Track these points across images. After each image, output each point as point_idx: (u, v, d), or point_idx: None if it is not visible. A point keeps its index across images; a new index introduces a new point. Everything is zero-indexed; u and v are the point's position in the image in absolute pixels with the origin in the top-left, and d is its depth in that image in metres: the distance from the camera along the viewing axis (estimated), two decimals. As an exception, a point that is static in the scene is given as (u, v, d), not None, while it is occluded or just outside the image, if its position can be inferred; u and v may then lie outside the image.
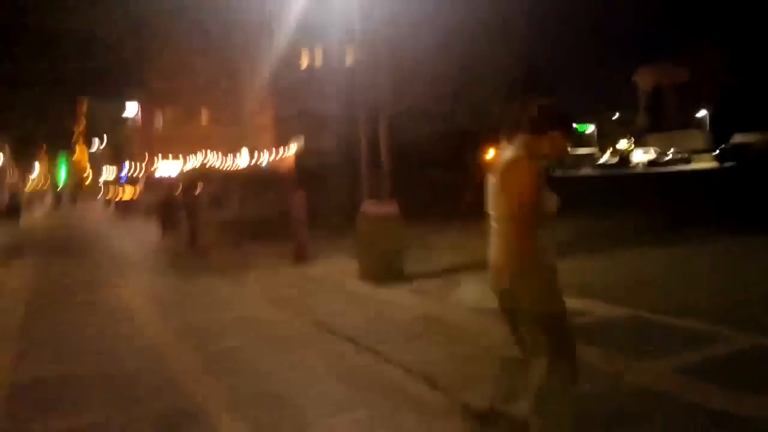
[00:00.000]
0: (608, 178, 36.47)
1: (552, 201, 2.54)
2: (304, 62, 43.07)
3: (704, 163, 44.45)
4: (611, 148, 70.89)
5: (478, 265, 7.65)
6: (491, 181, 2.59)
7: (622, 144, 72.13)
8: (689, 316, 4.83)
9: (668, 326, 4.70)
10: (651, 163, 47.41)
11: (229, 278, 8.68)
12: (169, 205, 16.34)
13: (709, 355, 3.99)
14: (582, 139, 76.32)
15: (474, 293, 6.13)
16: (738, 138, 42.49)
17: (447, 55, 29.18)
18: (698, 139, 54.07)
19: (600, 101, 75.89)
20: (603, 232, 10.35)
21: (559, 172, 53.53)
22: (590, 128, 74.17)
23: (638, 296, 5.65)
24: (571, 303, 5.37)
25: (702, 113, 54.42)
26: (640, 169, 46.73)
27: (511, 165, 2.49)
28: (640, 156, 49.98)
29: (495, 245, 2.60)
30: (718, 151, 42.64)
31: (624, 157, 51.73)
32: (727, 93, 53.35)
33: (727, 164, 38.91)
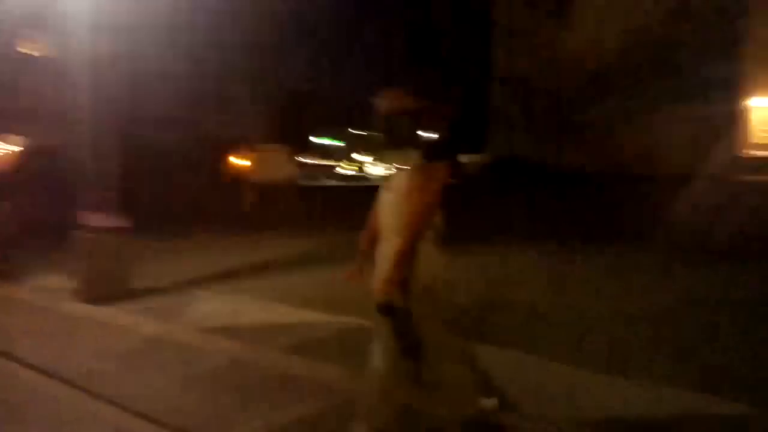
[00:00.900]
0: (350, 189, 38.86)
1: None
2: (27, 51, 37.33)
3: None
4: (352, 162, 76.02)
5: (218, 278, 7.54)
6: (387, 197, 2.90)
7: (362, 158, 77.89)
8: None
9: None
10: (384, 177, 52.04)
11: None
12: None
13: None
14: (326, 151, 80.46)
15: (207, 310, 5.84)
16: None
17: (199, 61, 28.09)
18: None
19: (347, 119, 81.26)
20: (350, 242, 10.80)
21: (304, 182, 55.63)
22: (339, 143, 78.59)
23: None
24: (314, 316, 5.54)
25: (427, 135, 61.59)
26: (376, 182, 50.73)
27: (415, 186, 2.79)
28: (376, 170, 54.44)
29: (383, 255, 2.82)
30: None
31: (363, 170, 55.68)
32: (447, 120, 61.41)
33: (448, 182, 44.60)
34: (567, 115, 41.55)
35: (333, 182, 54.68)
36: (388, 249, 2.80)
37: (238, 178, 19.48)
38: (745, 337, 4.87)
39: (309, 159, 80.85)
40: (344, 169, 63.07)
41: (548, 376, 3.93)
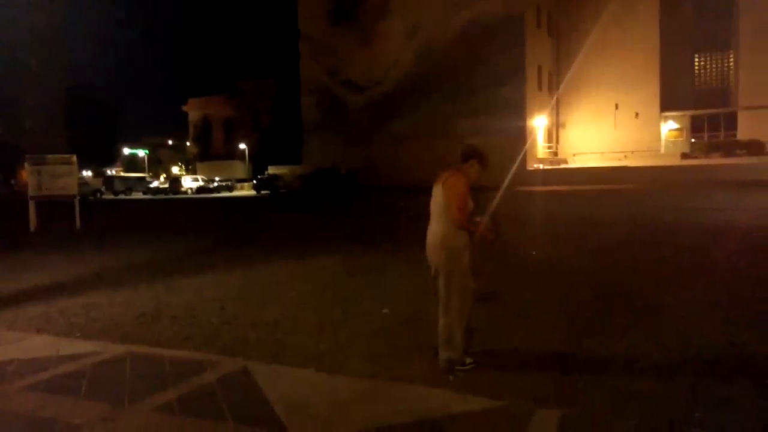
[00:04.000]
0: (159, 202, 36.60)
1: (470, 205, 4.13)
2: None
3: (245, 191, 49.39)
4: (164, 174, 71.96)
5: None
6: (435, 187, 4.19)
7: (174, 170, 73.99)
8: (187, 347, 5.03)
9: (164, 359, 4.72)
10: (200, 190, 49.88)
11: None
12: None
13: (197, 384, 4.17)
14: (135, 164, 75.27)
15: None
16: (272, 170, 49.14)
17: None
18: (240, 169, 59.93)
19: (153, 128, 76.69)
20: (141, 262, 10.11)
21: (109, 195, 51.33)
22: (142, 153, 73.73)
23: (145, 330, 5.61)
24: (74, 346, 5.06)
25: (243, 146, 60.53)
26: (190, 194, 48.47)
27: (451, 179, 4.11)
28: (190, 182, 51.93)
29: (431, 230, 4.21)
30: (255, 181, 48.29)
31: (175, 183, 52.91)
32: (264, 129, 61.06)
33: (263, 192, 44.12)
34: (369, 128, 43.51)
35: (142, 195, 51.18)
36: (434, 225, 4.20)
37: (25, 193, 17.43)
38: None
39: (117, 171, 75.00)
40: (156, 180, 59.39)
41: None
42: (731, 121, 39.34)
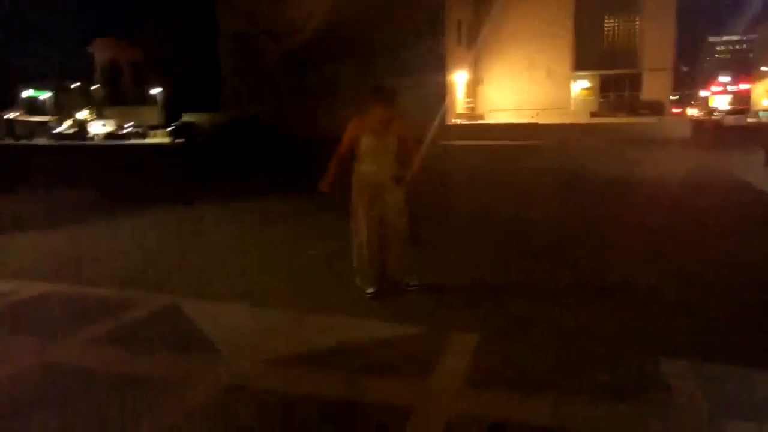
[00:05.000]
0: (66, 149, 34.63)
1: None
2: None
3: (159, 138, 47.29)
4: (71, 118, 67.37)
5: None
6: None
7: (83, 114, 69.40)
8: (112, 286, 5.09)
9: (89, 297, 4.78)
10: (109, 136, 47.43)
11: None
12: None
13: (127, 319, 4.29)
14: (36, 106, 69.74)
15: None
16: (186, 118, 47.17)
17: None
18: (153, 116, 57.09)
19: (58, 68, 70.86)
20: (53, 207, 9.77)
21: (9, 141, 47.70)
22: (47, 95, 68.47)
23: (66, 271, 5.59)
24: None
25: (156, 91, 57.48)
26: (98, 141, 46.06)
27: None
28: (99, 128, 49.18)
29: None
30: (171, 128, 46.25)
31: (83, 128, 49.86)
32: (177, 75, 58.02)
33: (178, 140, 42.59)
34: (290, 79, 42.38)
35: (46, 141, 48.00)
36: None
37: None
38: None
39: (16, 115, 69.31)
40: (62, 125, 55.69)
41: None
42: (636, 82, 41.48)
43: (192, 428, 2.79)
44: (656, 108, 36.87)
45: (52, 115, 64.86)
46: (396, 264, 4.69)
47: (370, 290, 4.60)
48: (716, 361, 3.36)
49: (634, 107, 38.16)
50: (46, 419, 2.86)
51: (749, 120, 52.85)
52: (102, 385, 3.22)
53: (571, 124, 33.90)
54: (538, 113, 38.89)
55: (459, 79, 40.00)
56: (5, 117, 62.78)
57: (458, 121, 37.86)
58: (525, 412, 2.85)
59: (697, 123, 43.96)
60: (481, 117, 41.36)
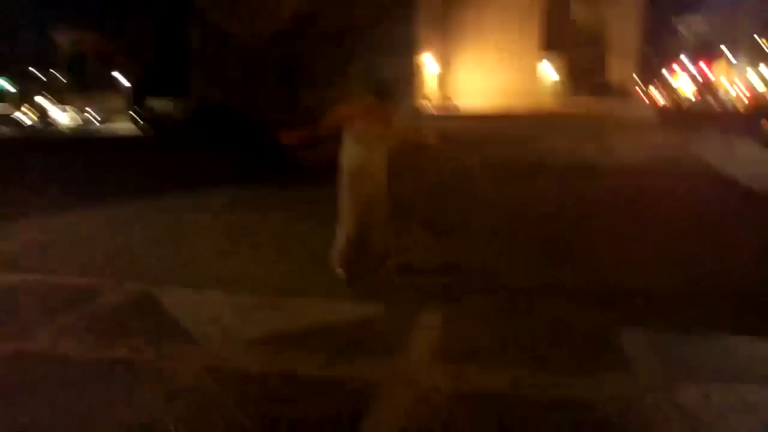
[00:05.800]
0: (29, 140, 33.71)
1: None
2: None
3: (123, 124, 46.38)
4: (30, 107, 65.28)
5: None
6: None
7: (43, 103, 67.31)
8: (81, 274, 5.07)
9: (60, 286, 4.78)
10: (74, 125, 46.47)
11: None
12: None
13: (100, 306, 4.30)
14: (1, 96, 67.15)
15: None
16: (153, 103, 46.13)
17: None
18: (118, 103, 55.76)
19: (18, 54, 68.49)
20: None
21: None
22: (13, 85, 65.93)
23: (33, 260, 5.54)
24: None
25: (121, 77, 56.10)
26: (62, 130, 44.98)
27: None
28: (61, 116, 47.98)
29: None
30: (135, 115, 45.36)
31: (45, 117, 48.42)
32: (143, 61, 56.73)
33: (145, 126, 41.80)
34: (260, 66, 41.73)
35: (6, 131, 46.53)
36: None
37: None
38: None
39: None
40: (23, 115, 53.90)
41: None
42: (603, 65, 42.09)
43: (171, 409, 2.86)
44: (623, 91, 37.46)
45: (13, 105, 62.77)
46: (375, 247, 4.81)
47: (344, 273, 4.72)
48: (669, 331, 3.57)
49: (602, 91, 38.71)
50: (23, 404, 2.91)
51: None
52: (78, 370, 3.27)
53: (540, 109, 34.03)
54: (506, 98, 38.85)
55: (429, 63, 40.02)
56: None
57: (428, 105, 37.87)
58: (487, 383, 3.02)
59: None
60: (449, 99, 41.24)
